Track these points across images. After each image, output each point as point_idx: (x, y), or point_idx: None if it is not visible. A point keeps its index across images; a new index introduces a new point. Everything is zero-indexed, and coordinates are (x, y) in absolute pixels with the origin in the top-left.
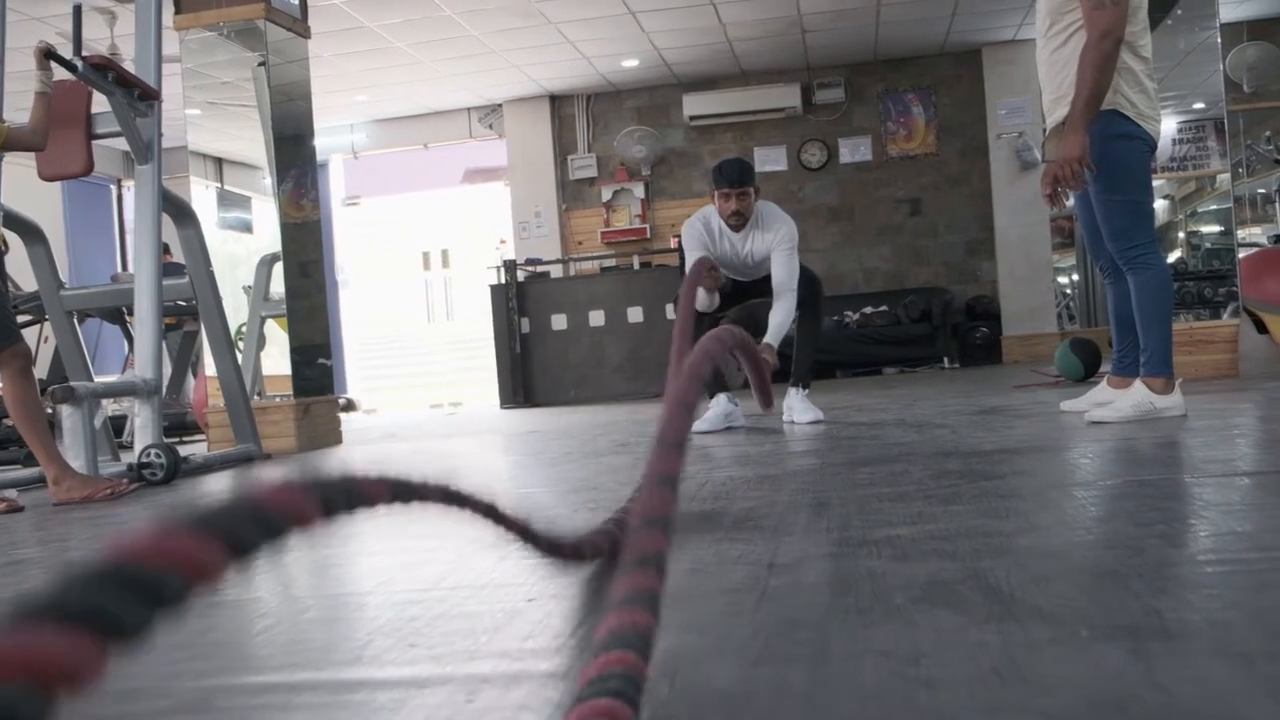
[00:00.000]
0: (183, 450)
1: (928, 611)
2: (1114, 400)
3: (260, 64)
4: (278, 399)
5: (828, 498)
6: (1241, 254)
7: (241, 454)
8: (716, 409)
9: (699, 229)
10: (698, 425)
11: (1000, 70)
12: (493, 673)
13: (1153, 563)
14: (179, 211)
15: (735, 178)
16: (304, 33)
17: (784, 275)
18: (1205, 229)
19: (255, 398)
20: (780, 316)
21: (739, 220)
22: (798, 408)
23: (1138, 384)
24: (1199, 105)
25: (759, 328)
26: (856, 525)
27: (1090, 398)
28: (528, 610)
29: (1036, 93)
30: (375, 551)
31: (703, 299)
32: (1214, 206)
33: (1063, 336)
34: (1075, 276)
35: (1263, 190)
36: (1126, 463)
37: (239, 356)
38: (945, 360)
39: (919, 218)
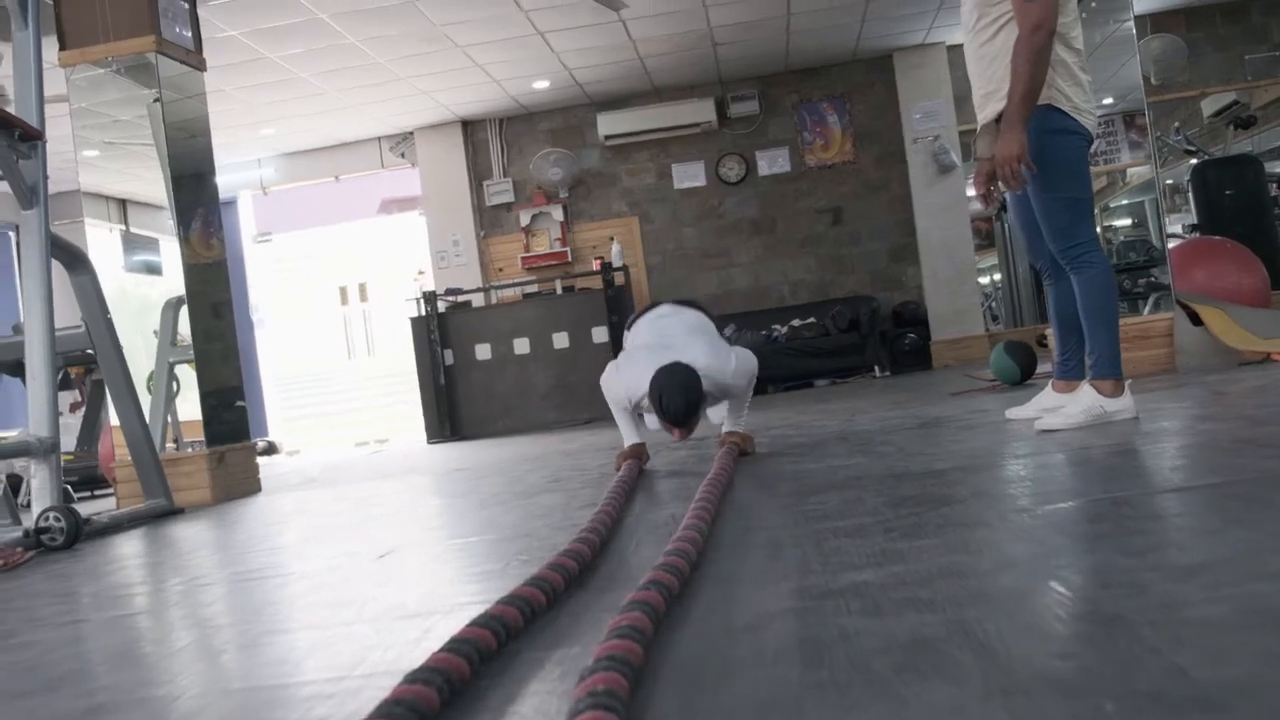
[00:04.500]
0: (93, 507)
1: (916, 684)
2: (1062, 406)
3: (155, 100)
4: (190, 449)
5: (779, 535)
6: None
7: (151, 510)
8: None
9: (624, 404)
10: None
11: (913, 74)
12: None
13: (1158, 604)
14: (71, 258)
15: (680, 418)
16: (199, 65)
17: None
18: (1119, 223)
19: (171, 447)
20: (736, 405)
21: (687, 435)
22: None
23: (1086, 388)
24: (1108, 100)
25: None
26: (817, 569)
27: (1037, 404)
28: (460, 705)
29: (949, 96)
30: (284, 628)
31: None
32: (1125, 201)
33: (990, 338)
34: (997, 276)
35: (1170, 181)
36: (1090, 477)
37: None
38: (876, 369)
39: (841, 226)
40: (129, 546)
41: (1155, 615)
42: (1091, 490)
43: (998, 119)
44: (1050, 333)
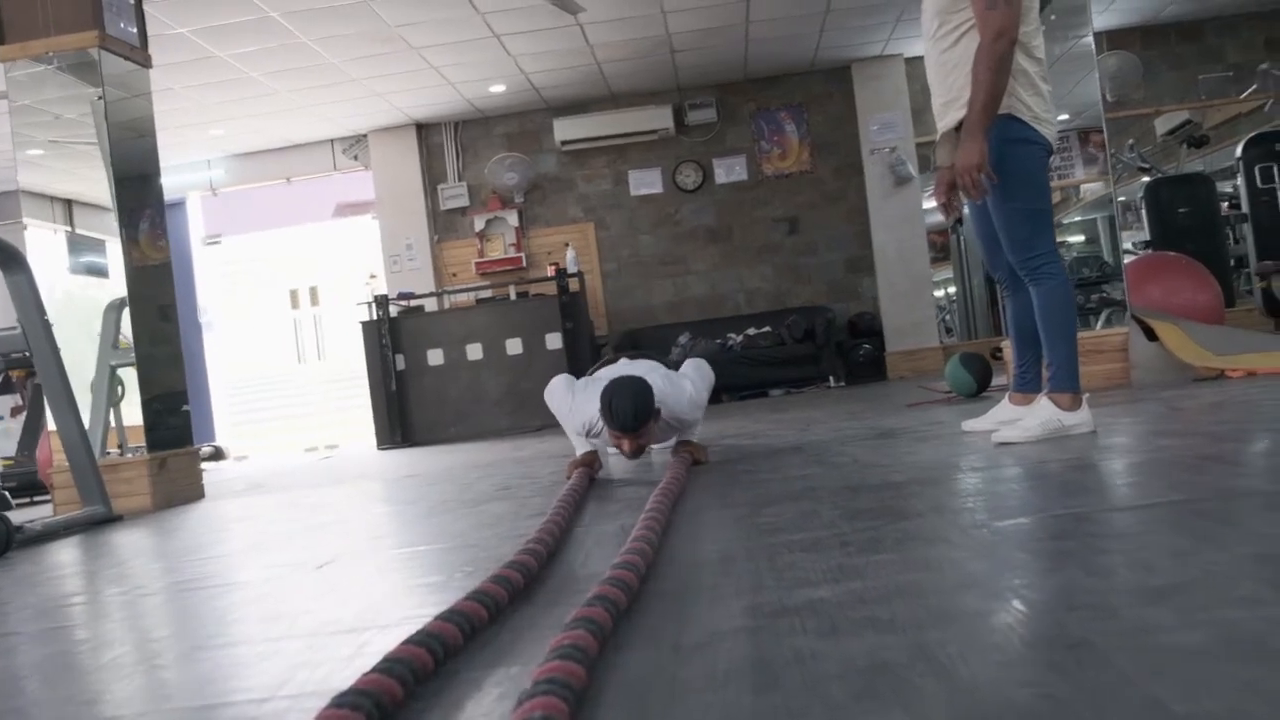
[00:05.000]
0: (32, 514)
1: (876, 712)
2: (1019, 419)
3: (100, 98)
4: (129, 454)
5: (731, 549)
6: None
7: (87, 517)
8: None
9: (577, 425)
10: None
11: (871, 85)
12: None
13: (1129, 628)
14: (5, 257)
15: (629, 424)
16: (144, 62)
17: (688, 406)
18: (1072, 239)
19: (115, 452)
20: (695, 425)
21: (639, 454)
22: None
23: (1044, 401)
24: (1064, 116)
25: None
26: (770, 585)
27: (993, 416)
28: None
29: (907, 108)
30: (213, 643)
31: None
32: (1079, 217)
33: (945, 350)
34: (952, 290)
35: (1123, 198)
36: (1049, 492)
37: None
38: (831, 379)
39: (797, 236)
40: (63, 555)
41: (1126, 641)
42: (1051, 506)
43: (957, 127)
44: (1006, 346)
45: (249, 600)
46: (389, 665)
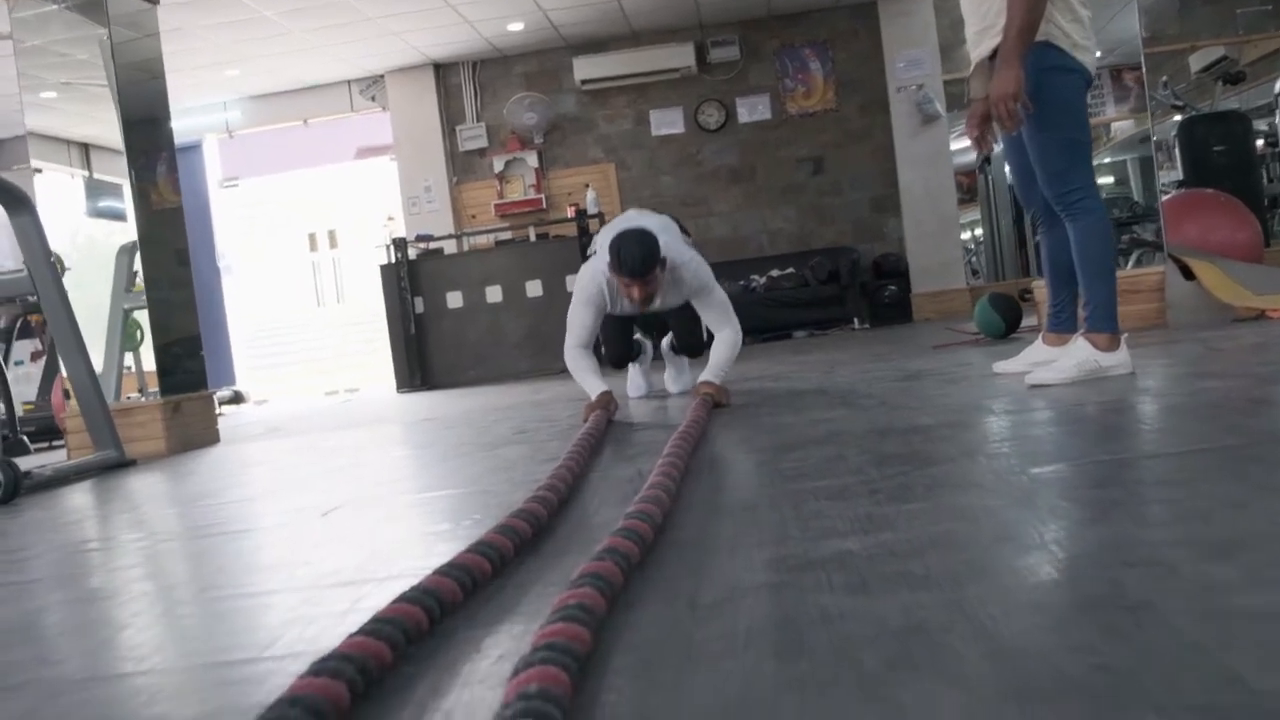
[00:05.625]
0: (50, 458)
1: (913, 683)
2: (1054, 359)
3: (107, 38)
4: (143, 398)
5: (754, 496)
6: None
7: (99, 462)
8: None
9: (594, 292)
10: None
11: (898, 22)
12: None
13: (1193, 588)
14: (9, 198)
15: (638, 269)
16: (153, 0)
17: (718, 320)
18: (1101, 180)
19: (136, 396)
20: (725, 352)
21: (648, 302)
22: (672, 378)
23: (1080, 341)
24: (1096, 54)
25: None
26: (795, 536)
27: (1026, 357)
28: (376, 698)
29: (935, 44)
30: (204, 596)
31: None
32: (1108, 158)
33: (971, 292)
34: (979, 232)
35: (1155, 137)
36: (1089, 436)
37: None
38: (855, 321)
39: (822, 176)
40: (74, 500)
41: (1190, 602)
42: (1092, 451)
43: (991, 56)
44: (1037, 286)
45: (249, 550)
46: (378, 626)
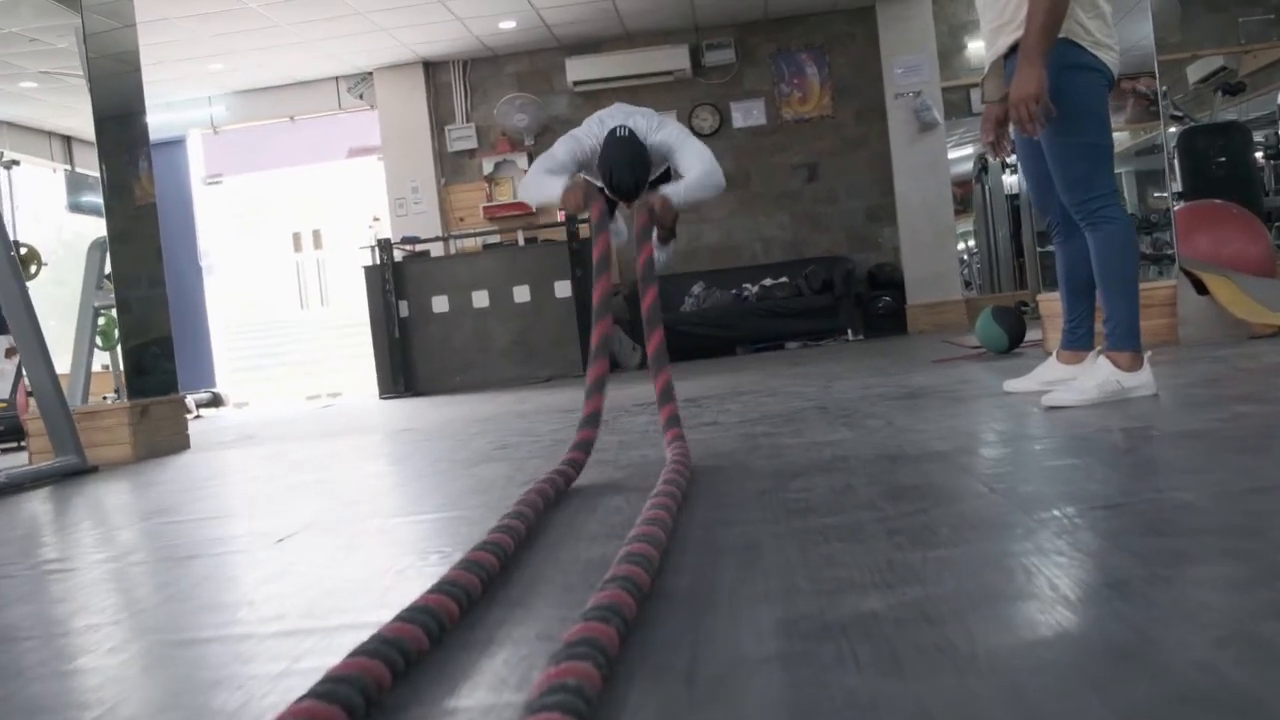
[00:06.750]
0: (8, 461)
1: None
2: (1071, 378)
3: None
4: (111, 400)
5: (755, 533)
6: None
7: (59, 468)
8: None
9: (574, 147)
10: None
11: (895, 27)
12: None
13: None
14: None
15: (630, 189)
16: None
17: (695, 161)
18: None
19: (112, 397)
20: (697, 178)
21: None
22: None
23: (1101, 360)
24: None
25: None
26: (805, 589)
27: (1040, 376)
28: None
29: (933, 51)
30: (120, 645)
31: (622, 231)
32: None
33: (968, 304)
34: (971, 243)
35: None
36: (1124, 468)
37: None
38: (850, 332)
39: (817, 183)
40: (23, 510)
41: None
42: (1137, 488)
43: (1007, 54)
44: (1041, 298)
45: (190, 582)
46: (328, 688)
